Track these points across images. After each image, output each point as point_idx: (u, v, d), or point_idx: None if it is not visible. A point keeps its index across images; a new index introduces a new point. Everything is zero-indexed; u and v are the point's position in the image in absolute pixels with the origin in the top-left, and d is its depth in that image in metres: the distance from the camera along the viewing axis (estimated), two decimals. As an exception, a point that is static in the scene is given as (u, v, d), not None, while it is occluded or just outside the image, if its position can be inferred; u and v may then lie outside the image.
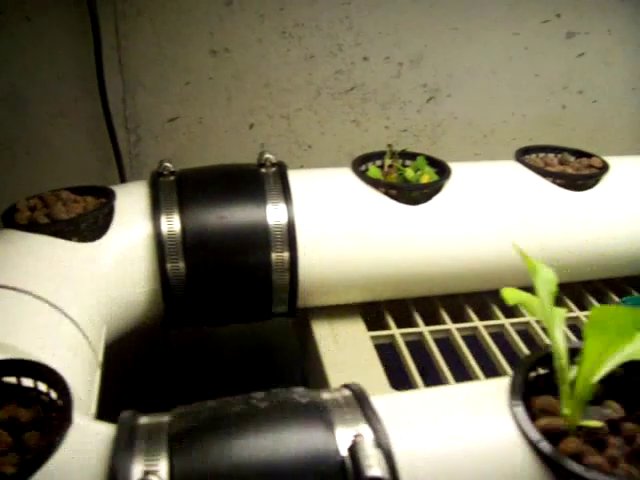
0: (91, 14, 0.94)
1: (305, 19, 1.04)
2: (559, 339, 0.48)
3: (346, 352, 0.78)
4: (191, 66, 1.04)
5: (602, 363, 0.44)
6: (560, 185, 0.84)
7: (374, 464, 0.40)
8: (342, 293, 0.81)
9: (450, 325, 0.83)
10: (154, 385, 1.01)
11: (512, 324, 0.84)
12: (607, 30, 1.15)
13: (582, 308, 0.87)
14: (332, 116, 1.11)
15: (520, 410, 0.46)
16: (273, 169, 0.79)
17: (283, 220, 0.75)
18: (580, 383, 0.45)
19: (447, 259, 0.80)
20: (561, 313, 0.49)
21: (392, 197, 0.79)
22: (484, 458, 0.44)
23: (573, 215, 0.83)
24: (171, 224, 0.74)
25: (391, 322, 0.83)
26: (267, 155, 0.80)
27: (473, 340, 0.83)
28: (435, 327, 0.83)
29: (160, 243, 0.73)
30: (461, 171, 0.84)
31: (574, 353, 0.49)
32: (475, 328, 0.83)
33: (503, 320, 0.84)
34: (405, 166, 0.86)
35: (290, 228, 0.75)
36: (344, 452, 0.42)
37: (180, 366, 0.92)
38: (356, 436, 0.42)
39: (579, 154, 0.92)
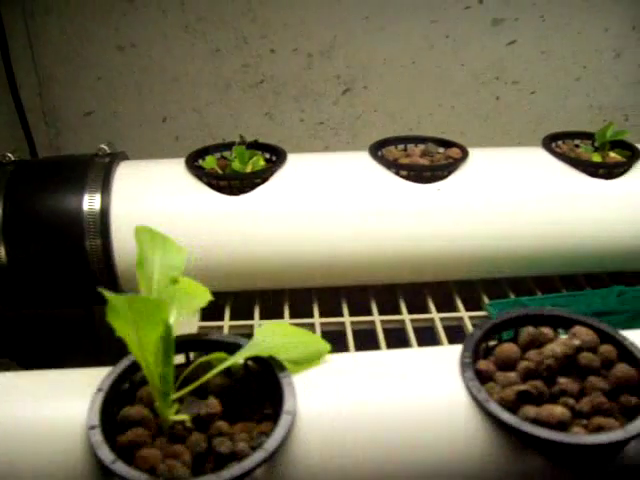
0: (-5, 14, 1.00)
1: (207, 13, 1.05)
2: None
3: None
4: (101, 61, 1.07)
5: (151, 353, 0.43)
6: (404, 177, 0.80)
7: None
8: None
9: (288, 320, 0.82)
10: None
11: (353, 322, 0.81)
12: (539, 16, 1.08)
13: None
14: (244, 109, 1.11)
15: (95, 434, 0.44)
16: (106, 159, 0.81)
17: (97, 208, 0.77)
18: (150, 375, 0.44)
19: (268, 252, 0.78)
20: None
21: (214, 188, 0.79)
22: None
23: (419, 208, 0.79)
24: (-8, 211, 0.77)
25: (227, 313, 0.83)
26: (102, 146, 0.81)
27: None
28: (273, 320, 0.82)
29: (-20, 229, 0.76)
30: (296, 160, 0.82)
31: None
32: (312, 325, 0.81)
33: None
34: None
35: (103, 216, 0.76)
36: None
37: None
38: None
39: (448, 144, 0.87)
